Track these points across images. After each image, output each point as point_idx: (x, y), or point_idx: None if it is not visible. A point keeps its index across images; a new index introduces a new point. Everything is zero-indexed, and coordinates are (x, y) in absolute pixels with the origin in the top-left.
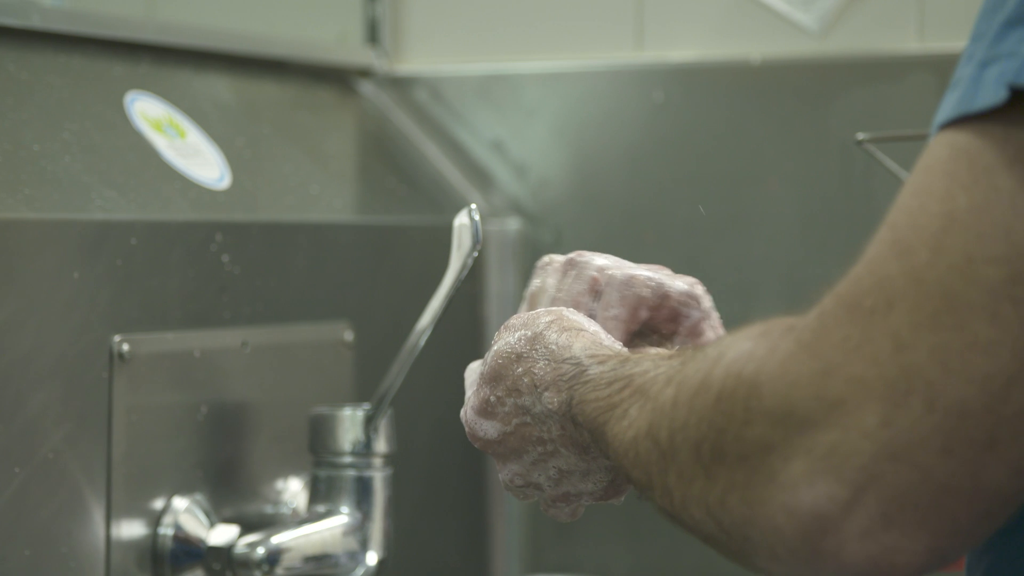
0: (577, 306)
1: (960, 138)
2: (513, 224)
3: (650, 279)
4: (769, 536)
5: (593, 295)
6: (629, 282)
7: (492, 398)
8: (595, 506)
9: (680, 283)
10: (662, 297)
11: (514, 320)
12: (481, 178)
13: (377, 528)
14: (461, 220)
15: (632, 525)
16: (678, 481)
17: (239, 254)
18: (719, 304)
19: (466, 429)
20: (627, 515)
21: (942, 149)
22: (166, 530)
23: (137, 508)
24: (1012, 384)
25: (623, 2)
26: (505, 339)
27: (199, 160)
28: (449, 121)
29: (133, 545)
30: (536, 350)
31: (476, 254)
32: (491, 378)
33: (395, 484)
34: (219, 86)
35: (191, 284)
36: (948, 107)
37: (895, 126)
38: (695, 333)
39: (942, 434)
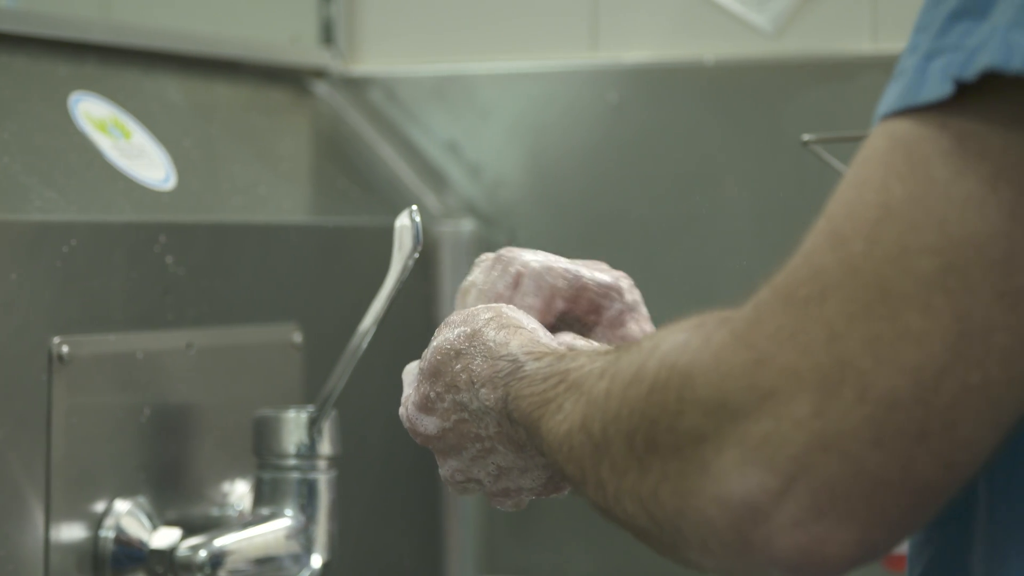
0: (499, 299)
1: (898, 128)
2: (467, 225)
3: (567, 271)
4: (701, 528)
5: (515, 289)
6: (545, 273)
7: (432, 394)
8: (550, 507)
9: (601, 275)
10: (579, 288)
11: (454, 317)
12: (435, 179)
13: (322, 530)
14: (402, 221)
15: (589, 526)
16: (611, 474)
17: (183, 255)
18: (674, 304)
19: (406, 424)
20: (583, 516)
21: (881, 140)
22: (107, 533)
23: (77, 511)
24: (943, 375)
25: (578, 3)
26: (444, 335)
27: (144, 161)
28: (404, 122)
29: (73, 548)
30: (474, 347)
31: (417, 255)
32: (430, 374)
33: (348, 486)
34: (169, 87)
35: (134, 286)
36: (891, 98)
37: (849, 126)
38: (615, 325)
39: (873, 425)
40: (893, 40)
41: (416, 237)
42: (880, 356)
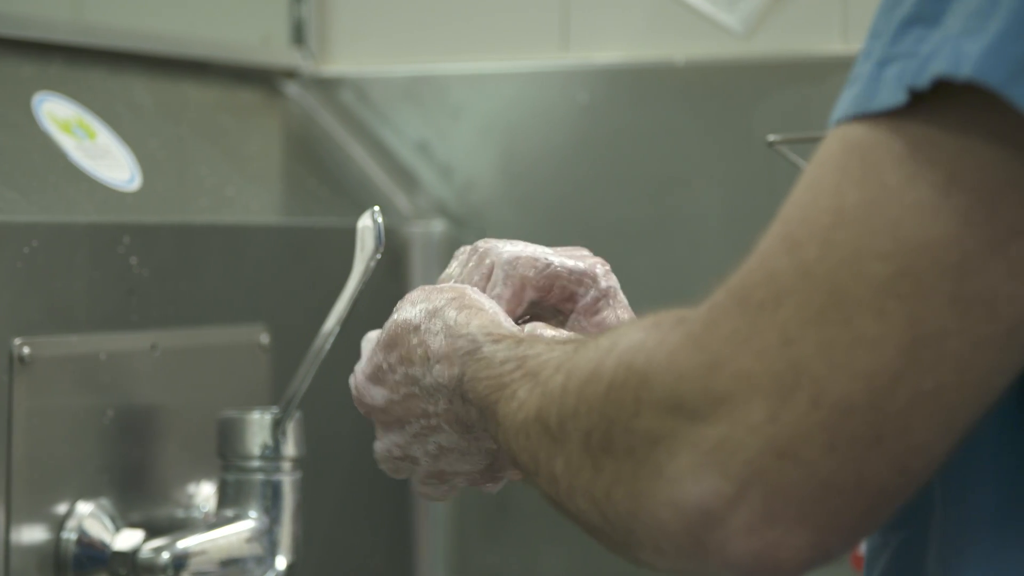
0: None
1: (852, 133)
2: (438, 226)
3: (536, 259)
4: (653, 530)
5: (489, 280)
6: (513, 262)
7: (384, 365)
8: (521, 508)
9: (574, 262)
10: (550, 277)
11: (415, 293)
12: (406, 179)
13: (286, 532)
14: (364, 222)
15: (560, 528)
16: (565, 469)
17: (148, 256)
18: (646, 304)
19: (353, 393)
20: (555, 518)
21: (835, 144)
22: (69, 535)
23: (39, 513)
24: (897, 381)
25: (549, 4)
26: (405, 310)
27: (108, 161)
28: (375, 122)
29: (35, 550)
30: (433, 324)
31: (379, 256)
32: (386, 345)
33: (315, 487)
34: (136, 87)
35: (97, 287)
36: (845, 104)
37: (820, 127)
38: (590, 312)
39: (827, 430)
40: (863, 41)
41: (378, 238)
42: (834, 362)
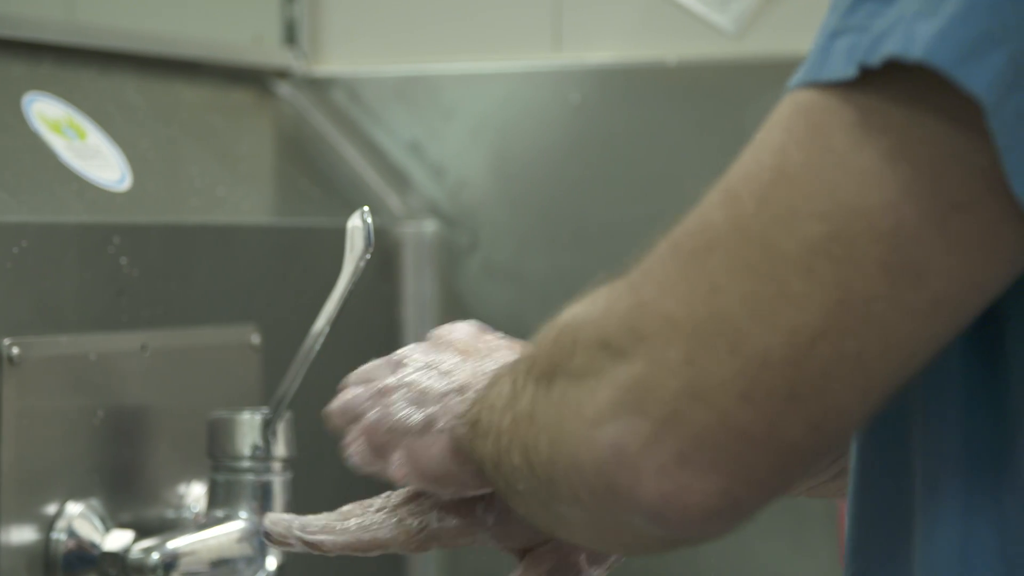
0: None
1: (803, 97)
2: (430, 226)
3: None
4: (571, 474)
5: None
6: None
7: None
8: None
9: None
10: None
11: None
12: (398, 180)
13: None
14: (354, 222)
15: None
16: (511, 424)
17: (138, 256)
18: None
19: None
20: None
21: (785, 107)
22: (59, 535)
23: (28, 513)
24: (817, 340)
25: (541, 4)
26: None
27: (99, 162)
28: (366, 122)
29: (24, 551)
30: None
31: (369, 256)
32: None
33: (305, 488)
34: (128, 88)
35: (87, 287)
36: (798, 74)
37: None
38: None
39: (743, 380)
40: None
41: (368, 238)
42: (757, 313)
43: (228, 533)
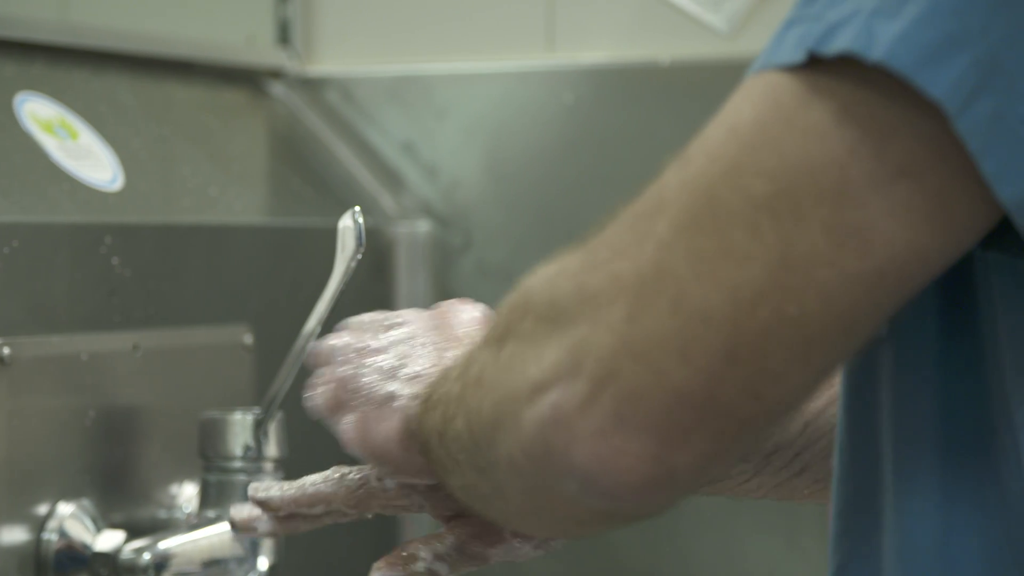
0: None
1: (764, 74)
2: (423, 226)
3: None
4: (510, 435)
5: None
6: None
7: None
8: None
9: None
10: None
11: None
12: (391, 179)
13: None
14: (345, 222)
15: None
16: (460, 392)
17: (130, 256)
18: None
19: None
20: None
21: (748, 80)
22: (50, 536)
23: (19, 514)
24: (759, 299)
25: (534, 4)
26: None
27: (91, 162)
28: (360, 122)
29: (15, 551)
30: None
31: (360, 256)
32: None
33: None
34: (120, 88)
35: (78, 287)
36: (757, 60)
37: None
38: None
39: (682, 337)
40: None
41: (359, 238)
42: (699, 270)
43: (220, 533)
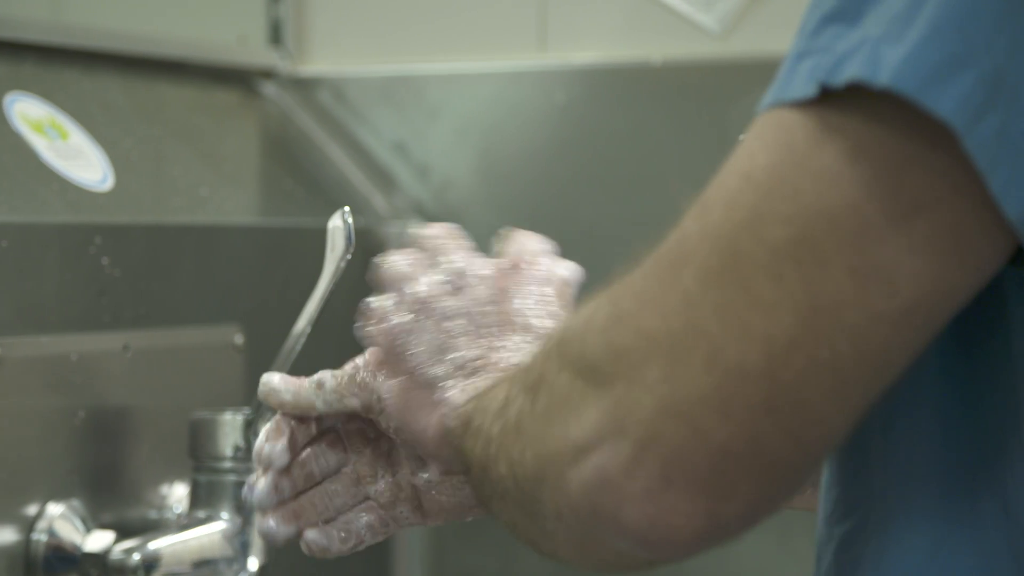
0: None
1: (772, 113)
2: (415, 226)
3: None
4: (556, 494)
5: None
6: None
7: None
8: None
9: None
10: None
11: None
12: (383, 180)
13: (258, 534)
14: (334, 223)
15: None
16: (500, 432)
17: (120, 256)
18: None
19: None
20: None
21: (758, 120)
22: (39, 536)
23: (9, 514)
24: (792, 348)
25: (526, 4)
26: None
27: (81, 162)
28: (352, 122)
29: (4, 552)
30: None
31: (349, 256)
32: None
33: None
34: (111, 88)
35: (68, 287)
36: (767, 97)
37: None
38: None
39: (720, 395)
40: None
41: (348, 238)
42: (729, 324)
43: (209, 534)
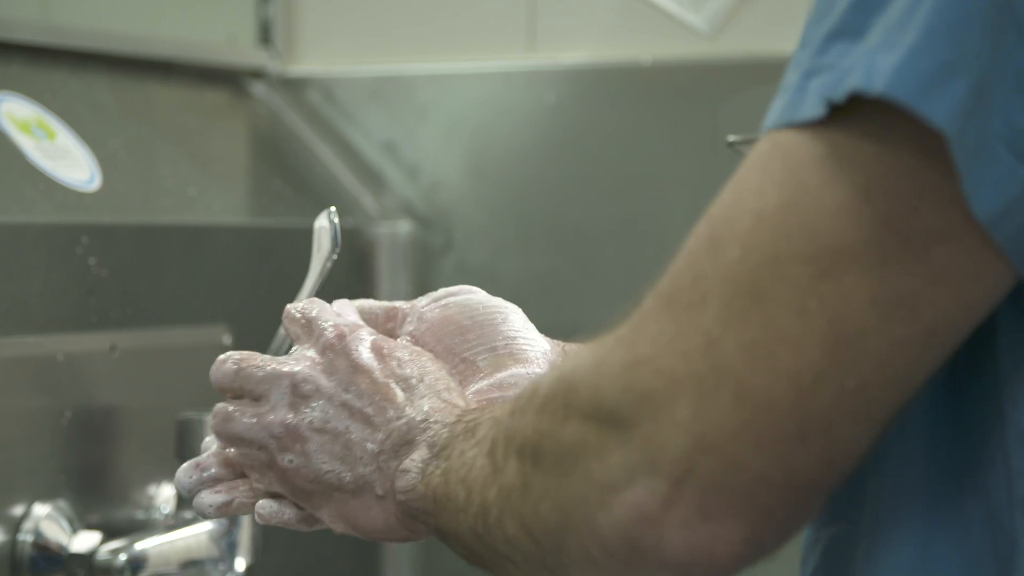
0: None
1: (778, 137)
2: (404, 226)
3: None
4: (585, 538)
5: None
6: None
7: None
8: None
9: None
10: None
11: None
12: (373, 180)
13: (245, 534)
14: (320, 223)
15: None
16: (497, 495)
17: (107, 257)
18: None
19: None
20: None
21: (762, 147)
22: (26, 537)
23: None
24: (820, 380)
25: (515, 4)
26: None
27: (68, 162)
28: (341, 122)
29: None
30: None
31: (335, 257)
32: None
33: None
34: (98, 87)
35: (55, 287)
36: (774, 113)
37: None
38: None
39: (752, 428)
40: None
41: (334, 239)
42: (756, 361)
43: (196, 534)
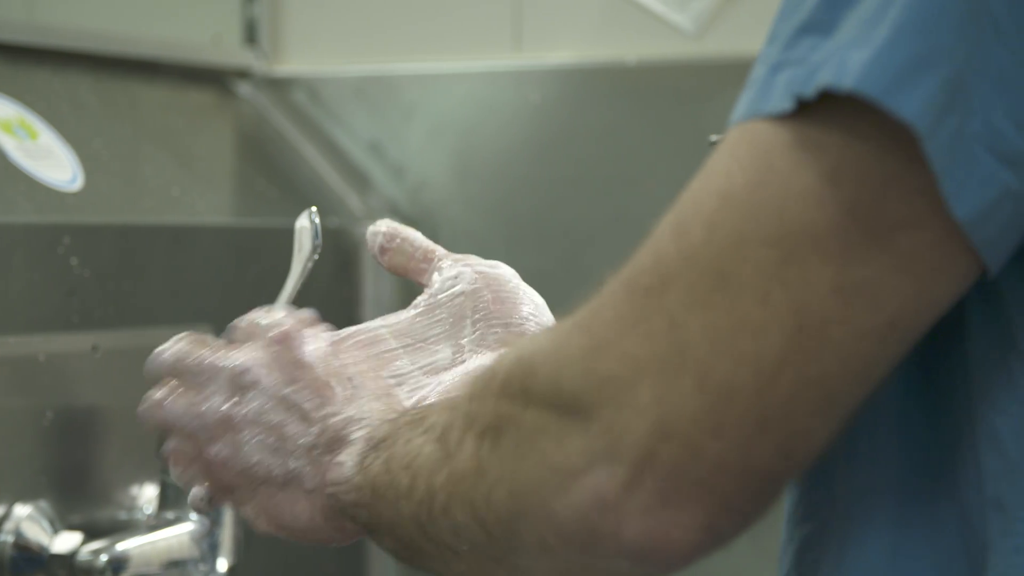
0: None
1: (747, 127)
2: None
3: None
4: (540, 525)
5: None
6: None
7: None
8: None
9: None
10: None
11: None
12: (358, 180)
13: (227, 534)
14: (301, 223)
15: None
16: (446, 481)
17: (89, 257)
18: None
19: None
20: None
21: (731, 134)
22: (6, 537)
23: None
24: (781, 367)
25: (501, 4)
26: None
27: (50, 162)
28: (327, 122)
29: None
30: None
31: (317, 256)
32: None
33: None
34: (82, 87)
35: (36, 287)
36: (741, 107)
37: None
38: None
39: (713, 414)
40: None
41: (315, 238)
42: (718, 346)
43: (178, 535)
